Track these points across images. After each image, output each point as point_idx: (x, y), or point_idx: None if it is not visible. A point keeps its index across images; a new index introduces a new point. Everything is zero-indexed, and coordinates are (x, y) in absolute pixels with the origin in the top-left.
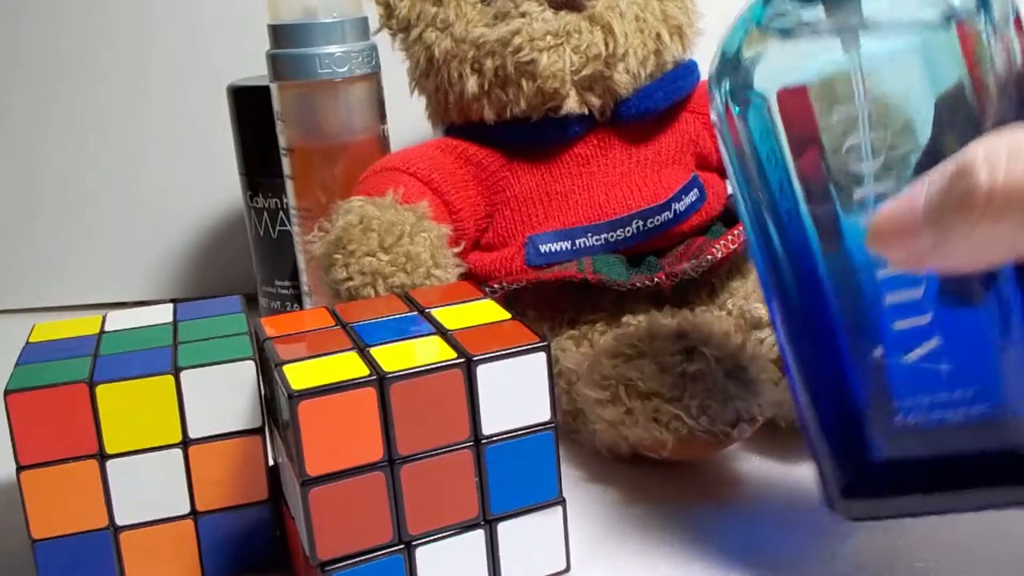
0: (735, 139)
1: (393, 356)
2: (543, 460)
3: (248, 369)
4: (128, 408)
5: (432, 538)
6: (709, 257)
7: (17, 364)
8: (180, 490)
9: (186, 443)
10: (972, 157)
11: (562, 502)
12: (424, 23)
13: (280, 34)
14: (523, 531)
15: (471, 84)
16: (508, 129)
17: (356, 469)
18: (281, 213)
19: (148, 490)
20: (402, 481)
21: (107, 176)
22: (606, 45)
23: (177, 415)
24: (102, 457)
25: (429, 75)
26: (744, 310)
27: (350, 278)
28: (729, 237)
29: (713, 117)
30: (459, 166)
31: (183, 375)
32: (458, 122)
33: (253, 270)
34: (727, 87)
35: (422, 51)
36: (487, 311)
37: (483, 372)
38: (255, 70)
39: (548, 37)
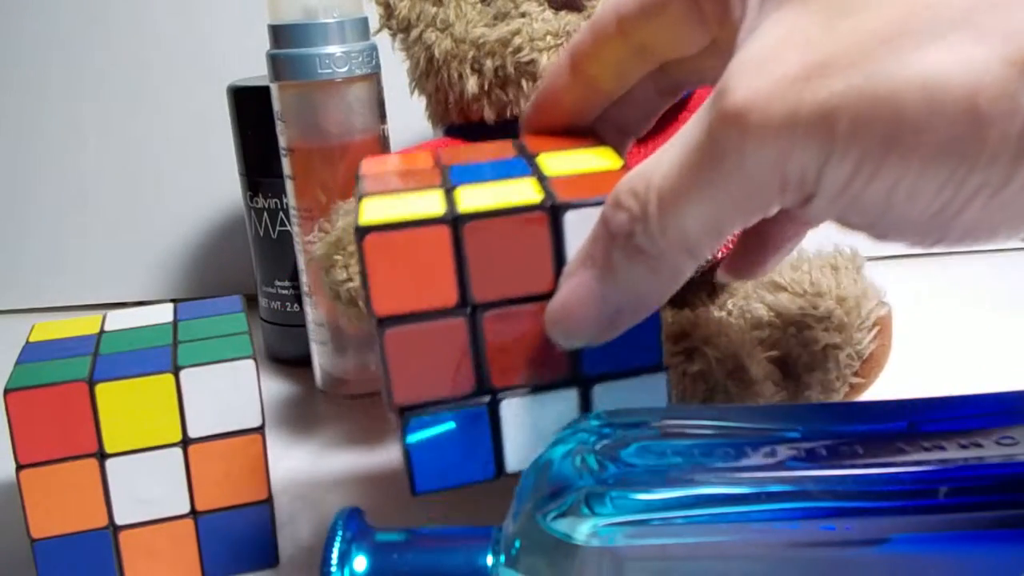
0: None
1: (476, 197)
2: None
3: (248, 368)
4: (128, 407)
5: (518, 393)
6: (709, 257)
7: (17, 363)
8: (180, 490)
9: (186, 442)
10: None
11: (664, 369)
12: (424, 23)
13: (280, 34)
14: (621, 395)
15: (471, 84)
16: (508, 129)
17: (432, 313)
18: (281, 213)
19: (148, 489)
20: (483, 330)
21: (107, 176)
22: None
23: (177, 414)
24: (102, 456)
25: (429, 75)
26: (744, 310)
27: (350, 279)
28: (729, 237)
29: None
30: None
31: (183, 374)
32: (458, 122)
33: (253, 270)
34: None
35: (422, 51)
36: (601, 158)
37: (571, 219)
38: (255, 70)
39: (548, 37)
